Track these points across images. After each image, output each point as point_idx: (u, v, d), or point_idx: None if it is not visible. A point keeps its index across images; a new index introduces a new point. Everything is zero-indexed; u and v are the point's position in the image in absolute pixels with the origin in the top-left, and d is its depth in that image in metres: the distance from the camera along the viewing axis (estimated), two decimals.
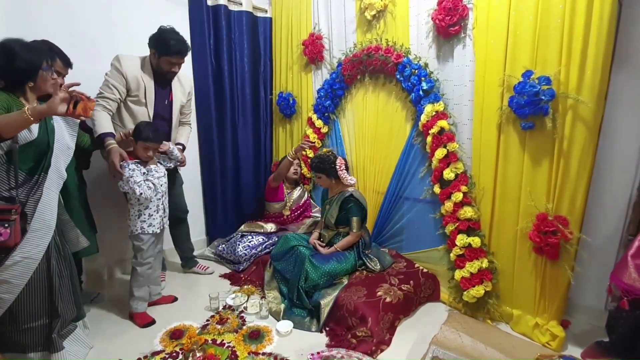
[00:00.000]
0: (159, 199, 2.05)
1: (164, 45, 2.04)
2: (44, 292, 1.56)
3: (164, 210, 2.10)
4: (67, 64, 1.92)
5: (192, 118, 2.79)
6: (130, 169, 1.91)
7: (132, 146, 1.97)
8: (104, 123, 1.96)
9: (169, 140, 2.31)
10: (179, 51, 2.08)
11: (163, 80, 2.19)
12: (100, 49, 2.22)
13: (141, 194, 1.89)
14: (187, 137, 2.44)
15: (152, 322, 2.06)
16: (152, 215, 2.01)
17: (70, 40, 1.99)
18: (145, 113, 2.15)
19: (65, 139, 1.63)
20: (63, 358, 1.64)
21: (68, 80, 1.94)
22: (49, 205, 1.53)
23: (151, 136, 1.93)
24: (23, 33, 1.52)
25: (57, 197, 1.59)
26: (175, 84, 2.26)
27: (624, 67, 1.76)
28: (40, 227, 1.50)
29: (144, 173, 1.95)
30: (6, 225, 1.41)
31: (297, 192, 2.89)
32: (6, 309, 1.48)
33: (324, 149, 2.64)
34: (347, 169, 2.34)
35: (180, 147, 2.33)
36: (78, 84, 1.46)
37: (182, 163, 2.29)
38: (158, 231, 2.06)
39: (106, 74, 2.04)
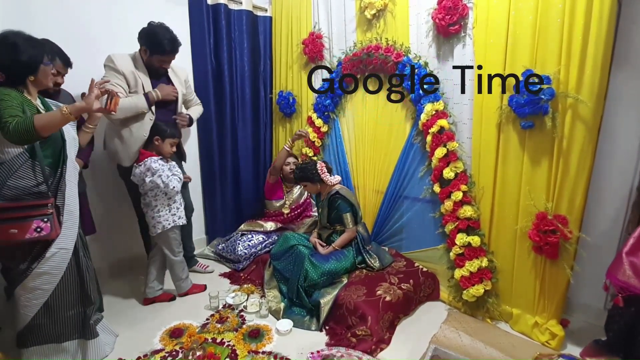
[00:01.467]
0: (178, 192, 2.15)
1: (158, 45, 2.07)
2: (75, 280, 1.60)
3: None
4: (67, 63, 1.92)
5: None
6: (159, 164, 1.99)
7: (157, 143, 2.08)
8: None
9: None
10: (172, 50, 2.12)
11: (157, 74, 2.22)
12: (100, 48, 2.20)
13: (174, 187, 1.99)
14: (197, 113, 2.55)
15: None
16: (179, 208, 2.13)
17: (70, 40, 1.99)
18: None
19: (70, 130, 1.64)
20: (97, 345, 1.69)
21: (67, 79, 1.95)
22: (72, 196, 1.57)
23: (175, 132, 2.13)
24: None
25: (76, 188, 1.62)
26: (170, 75, 2.29)
27: (624, 67, 1.75)
28: (68, 218, 1.54)
29: (169, 168, 2.05)
30: (45, 219, 1.45)
31: (296, 191, 2.89)
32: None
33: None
34: (329, 170, 2.37)
35: (187, 116, 2.40)
36: (109, 81, 1.46)
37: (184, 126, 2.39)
38: (185, 222, 2.18)
39: (104, 77, 2.03)
